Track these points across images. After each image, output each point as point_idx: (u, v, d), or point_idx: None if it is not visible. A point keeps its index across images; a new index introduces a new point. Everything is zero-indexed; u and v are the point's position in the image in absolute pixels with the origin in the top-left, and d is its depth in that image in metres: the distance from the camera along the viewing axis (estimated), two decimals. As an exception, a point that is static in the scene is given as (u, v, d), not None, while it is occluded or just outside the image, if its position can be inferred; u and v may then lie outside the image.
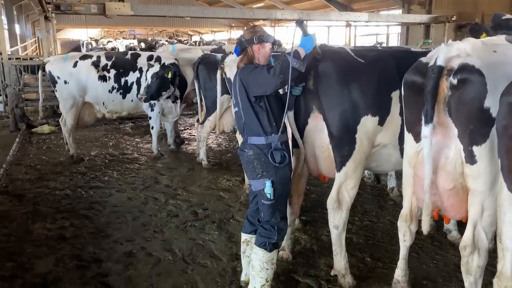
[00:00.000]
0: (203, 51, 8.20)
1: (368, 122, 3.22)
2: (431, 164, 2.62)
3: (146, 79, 6.88)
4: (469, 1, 17.30)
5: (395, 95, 3.27)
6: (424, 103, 2.58)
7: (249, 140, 3.12)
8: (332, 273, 3.57)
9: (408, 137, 2.94)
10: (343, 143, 3.24)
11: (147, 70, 6.93)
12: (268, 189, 3.03)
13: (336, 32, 26.73)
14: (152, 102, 7.05)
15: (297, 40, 3.09)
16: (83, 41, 28.21)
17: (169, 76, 6.67)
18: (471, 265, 2.70)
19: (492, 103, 2.40)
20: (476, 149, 2.50)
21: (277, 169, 3.06)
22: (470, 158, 2.54)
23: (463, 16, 15.72)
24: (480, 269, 2.71)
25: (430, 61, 2.65)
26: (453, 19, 14.95)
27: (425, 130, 2.57)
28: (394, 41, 21.43)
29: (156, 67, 6.70)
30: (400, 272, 3.40)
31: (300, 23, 3.07)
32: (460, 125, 2.55)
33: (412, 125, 2.87)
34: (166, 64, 6.81)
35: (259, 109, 3.07)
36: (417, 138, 2.79)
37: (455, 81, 2.50)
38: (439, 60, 2.54)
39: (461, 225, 4.44)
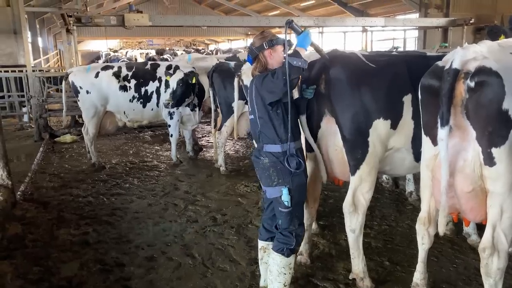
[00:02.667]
0: (218, 60, 8.35)
1: (380, 126, 3.25)
2: (448, 167, 2.62)
3: (169, 87, 7.02)
4: (488, 3, 17.07)
5: (407, 99, 3.30)
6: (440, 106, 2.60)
7: (264, 147, 3.13)
8: (350, 277, 3.59)
9: (426, 140, 2.96)
10: (356, 146, 3.28)
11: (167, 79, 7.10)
12: (285, 197, 3.05)
13: (353, 38, 26.66)
14: (171, 110, 7.21)
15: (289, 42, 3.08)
16: (102, 52, 28.92)
17: (193, 81, 6.82)
18: (491, 267, 2.69)
19: (510, 105, 2.41)
20: (495, 151, 2.51)
21: (293, 176, 3.07)
22: (489, 160, 2.54)
23: (481, 19, 15.51)
24: (500, 271, 2.69)
25: (446, 64, 2.66)
26: (471, 21, 14.78)
27: (441, 132, 2.58)
28: (412, 45, 21.24)
29: (180, 74, 6.84)
30: (419, 275, 3.39)
31: (289, 23, 3.05)
32: (479, 127, 2.56)
33: (430, 129, 2.88)
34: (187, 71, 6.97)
35: (276, 116, 3.08)
36: (435, 141, 2.80)
37: (472, 84, 2.51)
38: (455, 63, 2.56)
39: (481, 229, 4.38)
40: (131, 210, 5.38)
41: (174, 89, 6.79)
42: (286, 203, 3.06)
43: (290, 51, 3.08)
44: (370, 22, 14.84)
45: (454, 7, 16.71)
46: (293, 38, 3.24)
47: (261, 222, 3.48)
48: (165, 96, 7.22)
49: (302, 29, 3.08)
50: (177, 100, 6.81)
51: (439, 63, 2.82)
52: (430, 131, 2.89)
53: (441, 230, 2.83)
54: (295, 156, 3.09)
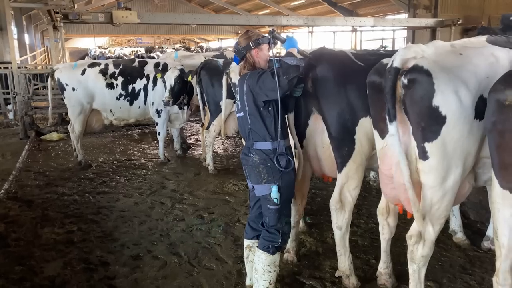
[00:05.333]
0: (205, 58, 8.30)
1: (366, 124, 3.24)
2: (405, 160, 2.68)
3: (167, 83, 6.91)
4: (475, 4, 17.21)
5: None
6: (385, 102, 2.69)
7: (254, 145, 3.13)
8: (336, 275, 3.59)
9: (375, 133, 3.04)
10: (343, 144, 3.28)
11: (156, 76, 7.01)
12: (275, 194, 3.05)
13: (342, 37, 26.74)
14: (158, 108, 7.15)
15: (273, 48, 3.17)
16: (91, 50, 28.68)
17: (190, 79, 6.76)
18: (416, 254, 2.86)
19: (441, 102, 2.53)
20: (428, 145, 2.63)
21: (282, 174, 3.08)
22: (423, 154, 2.66)
23: (469, 20, 15.64)
24: (424, 259, 2.86)
25: (389, 63, 2.76)
26: (459, 22, 14.93)
27: (391, 128, 2.67)
28: (401, 45, 21.38)
29: (177, 71, 6.75)
30: (382, 265, 3.53)
31: (271, 33, 3.15)
32: (414, 122, 2.68)
33: (376, 122, 2.98)
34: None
35: (267, 114, 3.08)
36: (382, 134, 2.92)
37: (406, 81, 2.64)
38: (395, 62, 2.68)
39: (467, 227, 4.44)
40: (117, 208, 5.32)
41: (172, 86, 6.66)
42: (275, 201, 3.06)
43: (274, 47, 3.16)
44: (359, 22, 14.87)
45: (442, 8, 16.82)
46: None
47: (247, 221, 3.46)
48: (153, 94, 7.17)
49: (285, 37, 3.21)
50: (175, 97, 6.74)
51: (384, 61, 2.92)
52: (376, 125, 2.99)
53: (419, 225, 2.83)
54: (285, 154, 3.10)
